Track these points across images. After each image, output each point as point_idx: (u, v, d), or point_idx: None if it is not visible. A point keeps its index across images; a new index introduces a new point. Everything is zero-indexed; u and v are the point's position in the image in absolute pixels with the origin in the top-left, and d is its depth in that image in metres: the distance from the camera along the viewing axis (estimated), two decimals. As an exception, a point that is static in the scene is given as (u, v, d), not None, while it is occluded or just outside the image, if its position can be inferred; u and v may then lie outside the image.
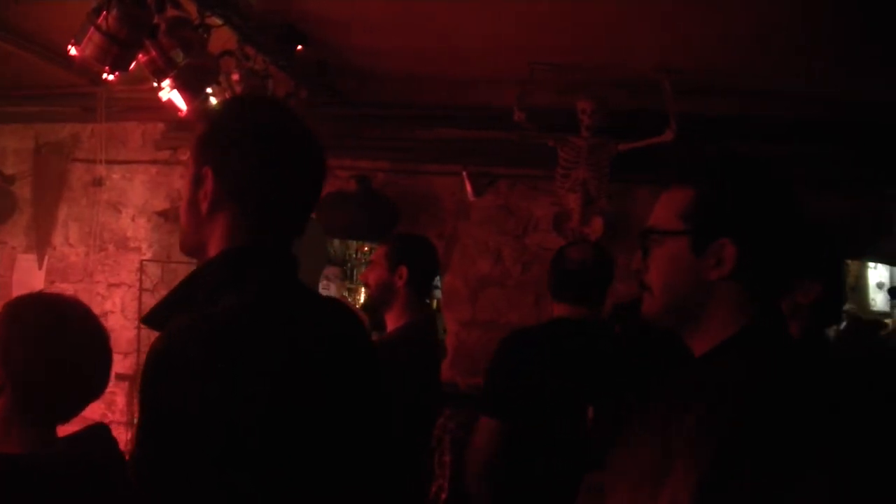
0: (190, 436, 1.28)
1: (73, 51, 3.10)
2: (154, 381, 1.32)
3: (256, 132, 1.53)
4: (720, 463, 1.25)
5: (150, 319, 1.54)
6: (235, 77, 3.90)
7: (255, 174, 1.51)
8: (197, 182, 1.53)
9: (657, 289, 1.52)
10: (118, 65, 3.12)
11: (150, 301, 5.51)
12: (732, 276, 1.42)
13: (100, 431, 1.88)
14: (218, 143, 1.54)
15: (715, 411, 1.32)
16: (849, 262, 7.55)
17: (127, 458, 1.79)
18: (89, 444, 1.81)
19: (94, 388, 1.85)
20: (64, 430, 1.83)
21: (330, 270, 6.79)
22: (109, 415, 5.41)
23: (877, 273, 7.90)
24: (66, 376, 1.78)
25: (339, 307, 1.80)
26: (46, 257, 5.93)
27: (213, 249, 1.53)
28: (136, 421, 5.08)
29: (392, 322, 3.22)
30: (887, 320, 6.54)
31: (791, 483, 1.20)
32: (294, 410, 1.39)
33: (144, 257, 5.71)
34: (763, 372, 1.37)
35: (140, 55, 3.24)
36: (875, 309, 7.82)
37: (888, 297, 7.18)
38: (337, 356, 1.57)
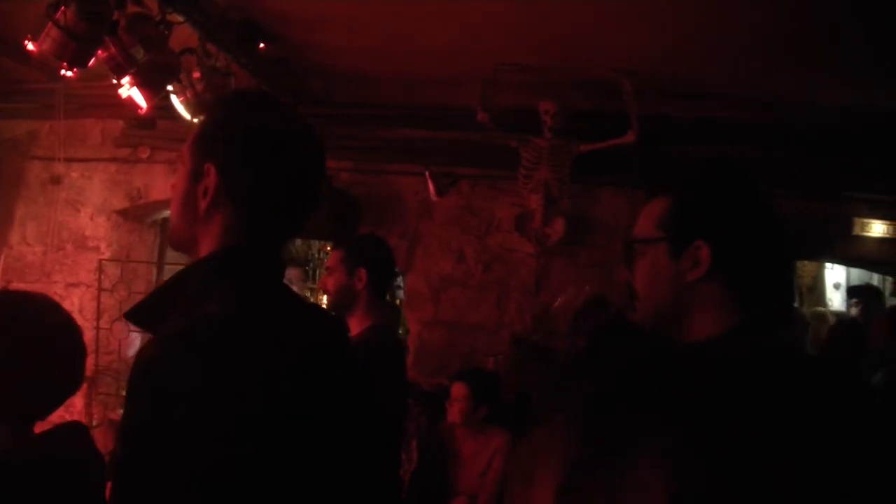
0: (175, 449, 1.25)
1: (30, 46, 3.06)
2: (142, 393, 1.29)
3: (263, 131, 1.49)
4: (588, 438, 1.30)
5: (134, 315, 1.49)
6: (197, 75, 3.87)
7: (259, 174, 1.47)
8: (195, 177, 1.48)
9: (643, 297, 1.54)
10: (77, 61, 3.09)
11: (108, 301, 5.46)
12: (710, 276, 1.43)
13: (76, 428, 1.87)
14: (223, 140, 1.49)
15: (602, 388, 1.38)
16: (806, 262, 7.70)
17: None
18: (66, 440, 1.80)
19: (71, 383, 1.84)
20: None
21: (291, 272, 6.75)
22: (67, 416, 5.25)
23: (834, 273, 8.06)
24: (43, 372, 1.76)
25: (322, 314, 1.78)
26: (3, 256, 5.83)
27: (205, 248, 1.49)
28: (95, 424, 4.99)
29: (356, 325, 3.19)
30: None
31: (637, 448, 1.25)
32: (282, 420, 1.37)
33: (103, 257, 5.64)
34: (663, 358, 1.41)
35: (99, 51, 3.20)
36: (832, 309, 7.97)
37: (845, 296, 7.31)
38: (323, 367, 1.53)
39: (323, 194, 1.61)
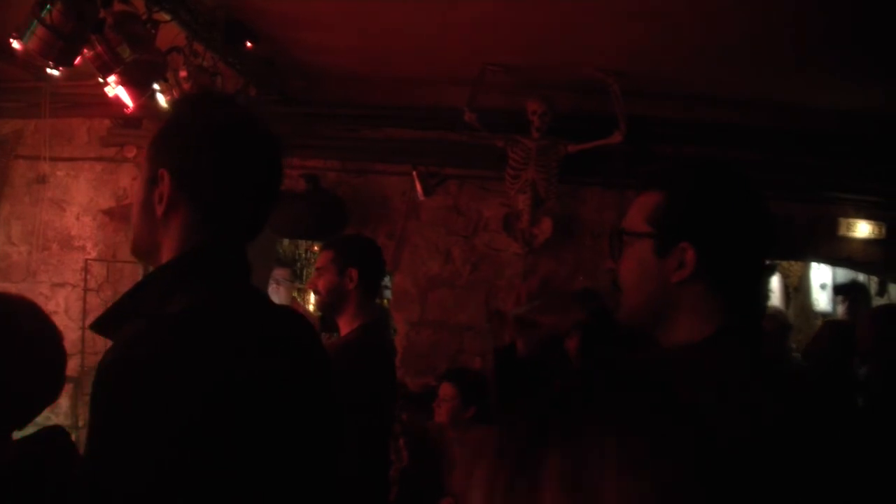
0: (145, 443, 1.26)
1: (15, 44, 3.04)
2: (108, 391, 1.29)
3: (214, 133, 1.49)
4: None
5: (98, 326, 1.49)
6: (183, 74, 3.86)
7: (212, 177, 1.48)
8: (151, 183, 1.49)
9: (626, 289, 1.53)
10: (63, 59, 3.07)
11: (94, 301, 5.42)
12: (694, 278, 1.43)
13: (55, 434, 1.76)
14: (174, 145, 1.49)
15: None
16: (792, 262, 7.72)
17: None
18: (45, 447, 1.70)
19: (49, 391, 1.76)
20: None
21: (279, 272, 6.71)
22: (54, 418, 5.28)
23: (820, 274, 8.08)
24: (21, 380, 1.67)
25: (289, 313, 1.78)
26: (-13, 256, 5.79)
27: (166, 253, 1.49)
28: (81, 425, 4.94)
29: (346, 325, 3.18)
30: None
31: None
32: (246, 414, 1.38)
33: (89, 256, 5.60)
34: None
35: (85, 50, 3.19)
36: (818, 309, 7.99)
37: (831, 296, 7.32)
38: (287, 362, 1.54)
39: (281, 191, 1.63)
